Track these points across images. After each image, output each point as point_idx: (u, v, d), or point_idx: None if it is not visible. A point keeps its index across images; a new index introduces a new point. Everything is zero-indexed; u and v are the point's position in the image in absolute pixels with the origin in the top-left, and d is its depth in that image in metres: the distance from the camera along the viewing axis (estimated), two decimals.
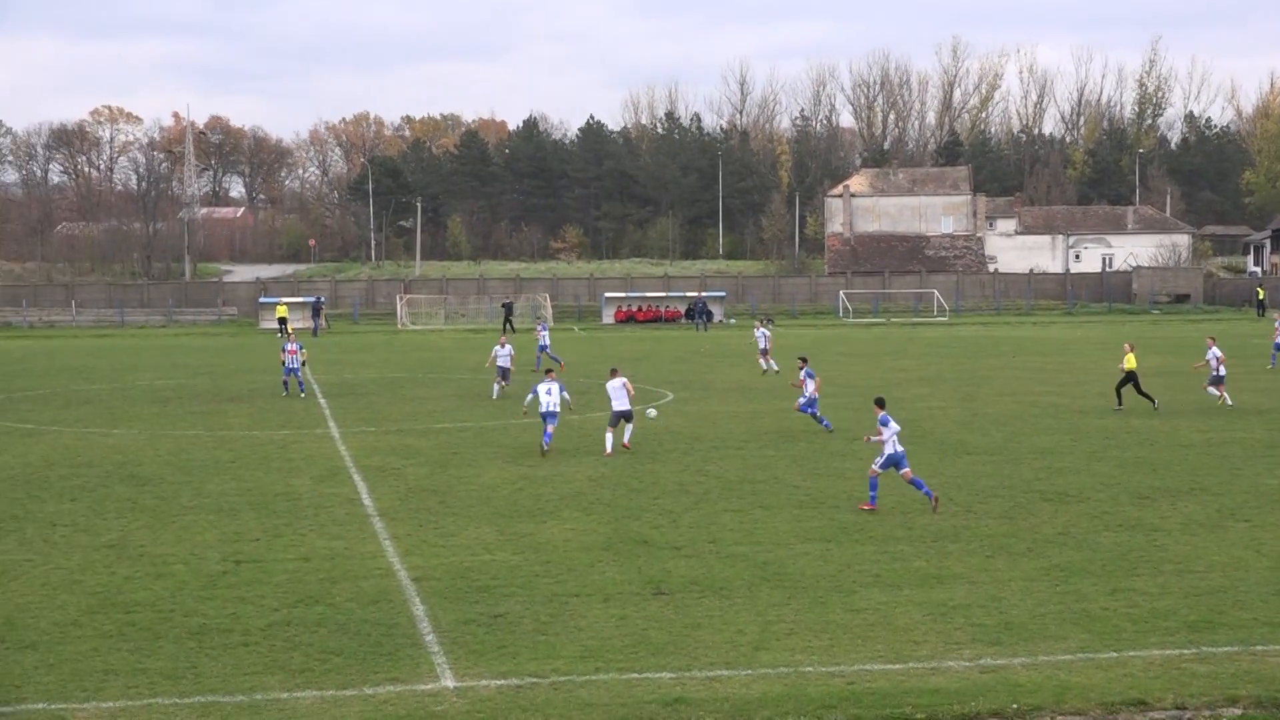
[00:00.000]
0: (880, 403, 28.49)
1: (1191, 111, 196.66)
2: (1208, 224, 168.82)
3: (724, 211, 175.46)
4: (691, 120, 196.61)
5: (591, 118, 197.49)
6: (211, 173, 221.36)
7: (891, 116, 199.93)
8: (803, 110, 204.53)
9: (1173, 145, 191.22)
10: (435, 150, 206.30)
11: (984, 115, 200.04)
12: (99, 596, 21.06)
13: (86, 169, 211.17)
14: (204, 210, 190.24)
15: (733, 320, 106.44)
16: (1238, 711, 15.92)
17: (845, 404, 45.47)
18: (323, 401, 48.56)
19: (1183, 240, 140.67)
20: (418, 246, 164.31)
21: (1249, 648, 18.14)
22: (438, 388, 53.47)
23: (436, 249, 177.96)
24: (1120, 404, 43.43)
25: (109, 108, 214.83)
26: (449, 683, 17.01)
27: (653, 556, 23.43)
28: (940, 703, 16.06)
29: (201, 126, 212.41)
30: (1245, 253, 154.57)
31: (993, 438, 37.58)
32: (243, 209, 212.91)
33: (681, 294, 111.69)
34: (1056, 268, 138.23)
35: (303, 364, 50.76)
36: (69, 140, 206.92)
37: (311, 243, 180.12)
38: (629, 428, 35.89)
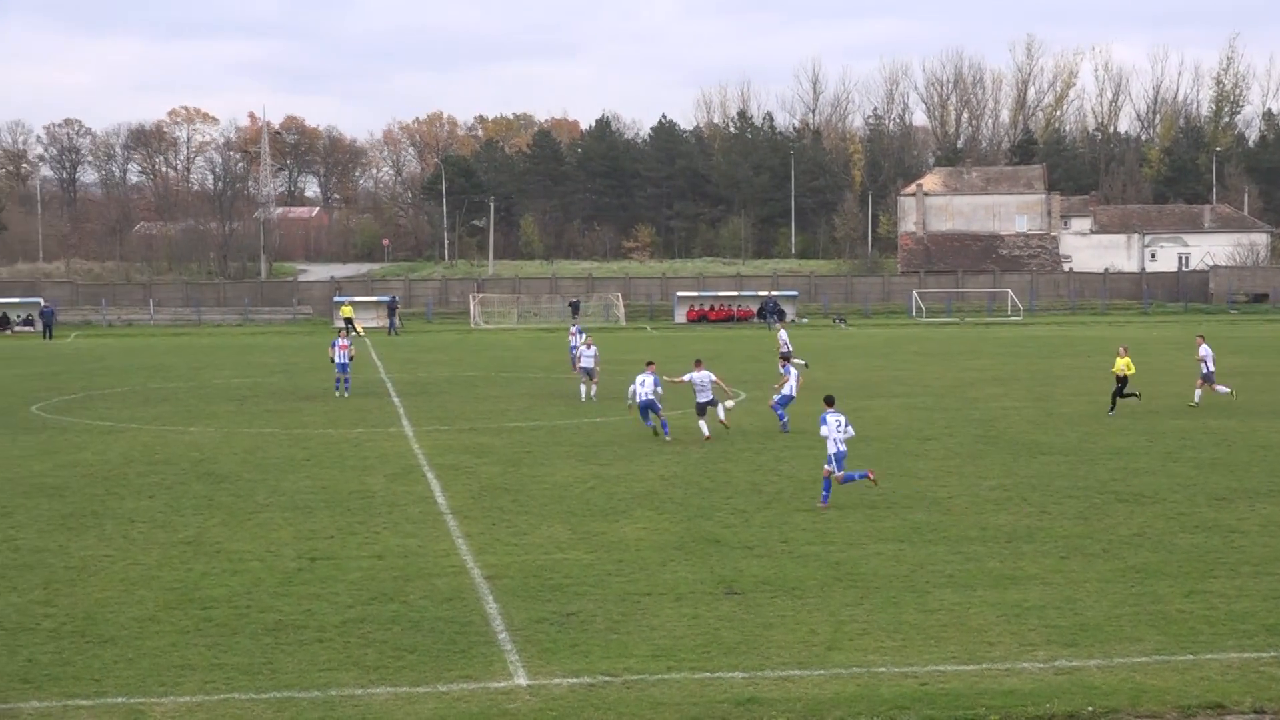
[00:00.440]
0: (829, 400, 28.88)
1: (1270, 109, 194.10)
2: None
3: (796, 211, 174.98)
4: (764, 119, 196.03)
5: (664, 117, 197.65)
6: (287, 172, 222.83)
7: (965, 115, 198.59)
8: (876, 109, 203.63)
9: (1250, 143, 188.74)
10: (508, 150, 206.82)
11: (1058, 113, 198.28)
12: (176, 592, 21.29)
13: (164, 169, 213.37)
14: (279, 210, 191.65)
15: (804, 320, 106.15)
16: None
17: (919, 404, 45.29)
18: (396, 400, 48.85)
19: (1261, 239, 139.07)
20: (490, 246, 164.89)
21: None
22: (510, 386, 53.66)
23: (509, 248, 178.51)
24: (1114, 407, 42.59)
25: (186, 108, 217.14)
26: (521, 681, 17.06)
27: (725, 556, 23.42)
28: (1014, 704, 15.96)
29: (277, 126, 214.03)
30: None
31: (1067, 438, 37.30)
32: (317, 208, 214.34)
33: (754, 293, 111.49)
34: (1132, 267, 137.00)
35: (350, 358, 50.73)
36: (147, 141, 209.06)
37: (385, 242, 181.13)
38: (721, 407, 37.78)
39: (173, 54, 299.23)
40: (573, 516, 26.95)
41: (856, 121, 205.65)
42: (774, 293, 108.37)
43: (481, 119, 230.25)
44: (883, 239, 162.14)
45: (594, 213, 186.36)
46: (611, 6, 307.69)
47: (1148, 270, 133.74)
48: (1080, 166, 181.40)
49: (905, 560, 23.00)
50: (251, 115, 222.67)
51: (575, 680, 17.05)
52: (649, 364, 38.20)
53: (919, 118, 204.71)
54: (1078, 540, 24.38)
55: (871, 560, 23.00)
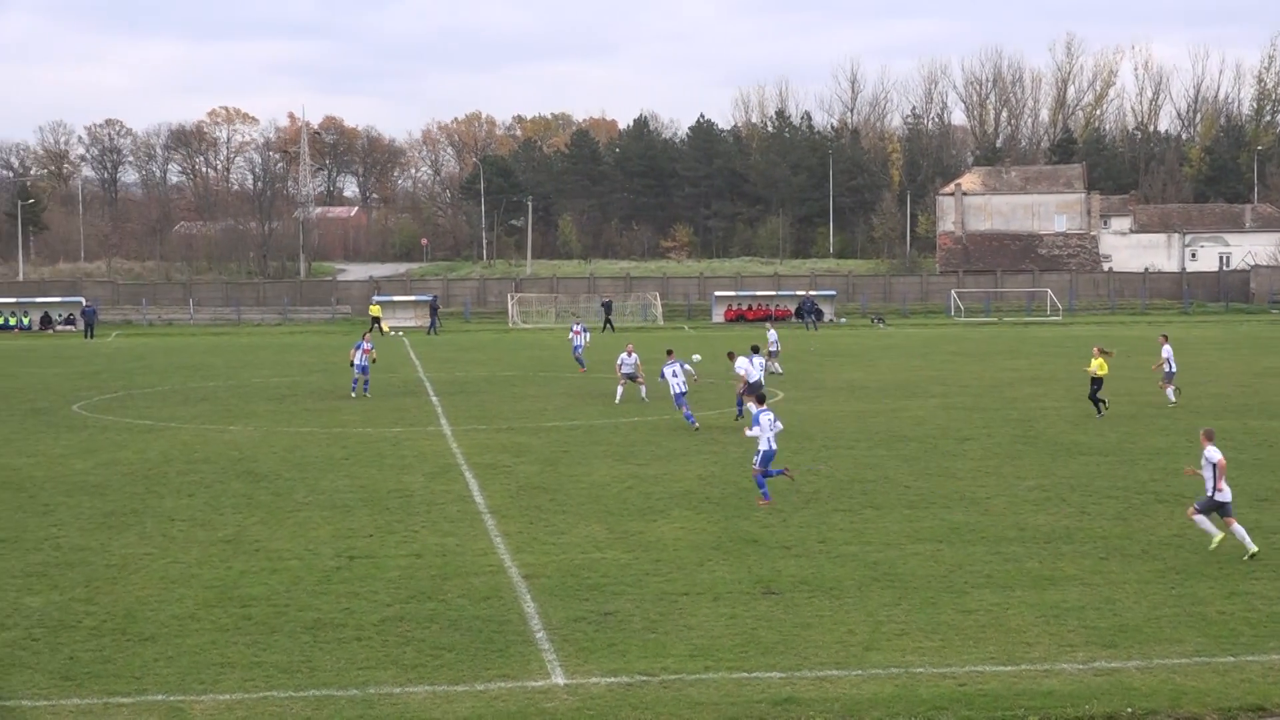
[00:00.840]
0: (760, 399, 29.50)
1: None
2: None
3: (834, 210, 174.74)
4: (802, 119, 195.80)
5: (701, 116, 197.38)
6: (326, 172, 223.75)
7: (1004, 114, 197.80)
8: (914, 108, 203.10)
9: None
10: (546, 149, 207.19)
11: (1098, 112, 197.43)
12: (216, 590, 21.39)
13: (204, 169, 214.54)
14: (318, 210, 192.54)
15: (843, 320, 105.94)
16: None
17: (957, 404, 45.15)
18: (435, 399, 48.96)
19: None
20: (528, 245, 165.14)
21: None
22: (548, 386, 53.71)
23: (547, 248, 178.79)
24: (1101, 412, 41.64)
25: (226, 108, 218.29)
26: (559, 680, 17.10)
27: (762, 556, 23.41)
28: (1053, 705, 15.91)
29: (316, 127, 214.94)
30: None
31: (1107, 438, 37.12)
32: (356, 208, 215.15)
33: (791, 293, 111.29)
34: (1172, 267, 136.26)
35: (372, 361, 50.48)
36: (187, 141, 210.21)
37: (424, 242, 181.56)
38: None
39: (212, 55, 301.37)
40: (610, 516, 26.98)
41: (895, 121, 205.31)
42: (812, 292, 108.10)
43: (520, 119, 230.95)
44: (921, 239, 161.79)
45: (632, 212, 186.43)
46: (650, 6, 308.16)
47: (1188, 270, 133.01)
48: (1120, 166, 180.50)
49: (943, 560, 22.94)
50: (291, 115, 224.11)
51: (613, 680, 17.08)
52: (669, 352, 38.74)
53: (958, 117, 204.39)
54: (1117, 541, 24.28)
55: (909, 560, 22.95)
